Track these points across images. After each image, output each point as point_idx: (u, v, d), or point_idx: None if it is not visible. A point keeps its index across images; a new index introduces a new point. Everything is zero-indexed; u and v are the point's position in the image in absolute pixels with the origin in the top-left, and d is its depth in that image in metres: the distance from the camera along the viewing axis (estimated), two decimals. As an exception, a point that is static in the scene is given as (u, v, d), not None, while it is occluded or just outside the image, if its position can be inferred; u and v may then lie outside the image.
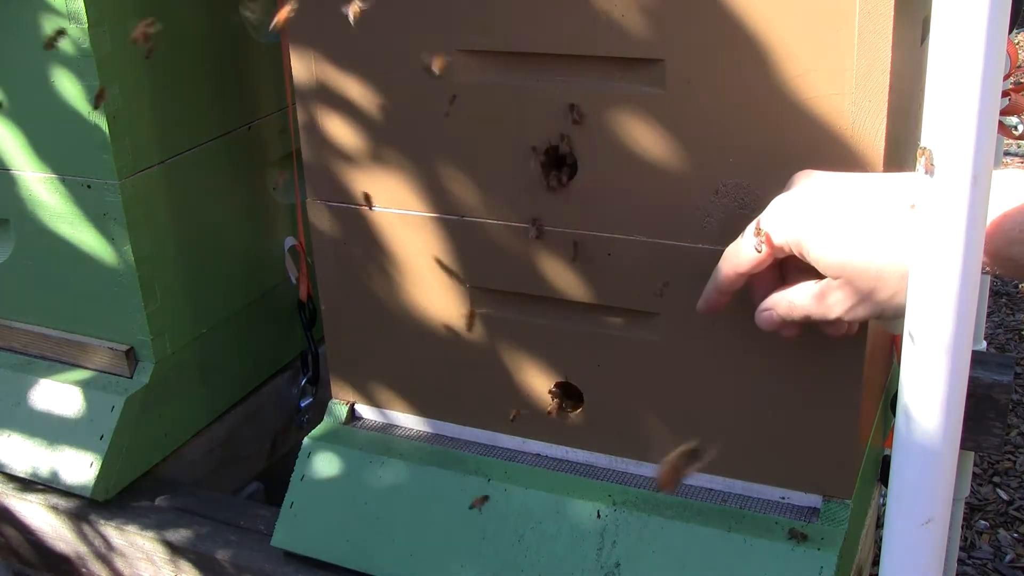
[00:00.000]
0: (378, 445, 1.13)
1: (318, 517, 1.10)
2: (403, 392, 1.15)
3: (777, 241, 0.79)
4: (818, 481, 0.98)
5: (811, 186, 0.80)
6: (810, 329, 0.85)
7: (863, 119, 0.83)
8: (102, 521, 1.22)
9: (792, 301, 0.81)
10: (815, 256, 0.77)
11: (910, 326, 0.64)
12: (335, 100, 1.04)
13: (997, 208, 0.69)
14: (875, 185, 0.77)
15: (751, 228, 0.80)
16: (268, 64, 1.32)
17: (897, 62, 0.83)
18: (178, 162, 1.23)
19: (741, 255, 0.82)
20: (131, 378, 1.25)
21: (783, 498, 1.00)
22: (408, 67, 0.99)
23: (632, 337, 1.00)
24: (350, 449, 1.12)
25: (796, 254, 0.78)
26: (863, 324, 0.89)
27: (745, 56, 0.85)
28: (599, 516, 1.01)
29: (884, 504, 0.76)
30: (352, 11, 0.88)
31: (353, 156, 1.05)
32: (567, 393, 1.06)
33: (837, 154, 0.85)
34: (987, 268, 0.70)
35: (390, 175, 1.04)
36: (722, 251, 0.92)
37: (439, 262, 1.05)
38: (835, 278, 0.77)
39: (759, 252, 0.80)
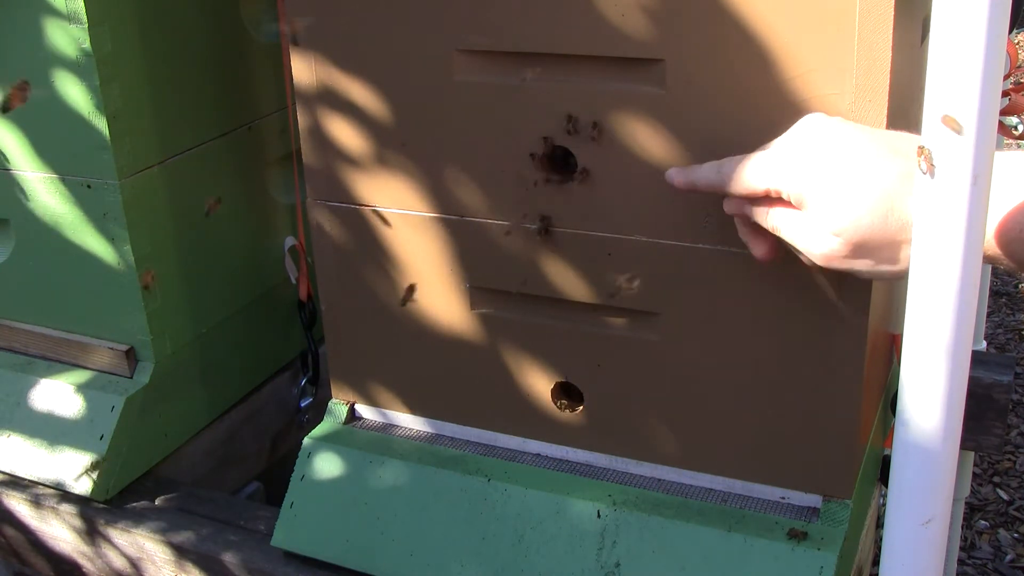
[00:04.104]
0: (378, 445, 1.13)
1: (318, 517, 1.10)
2: (403, 392, 1.15)
3: (779, 188, 0.78)
4: (818, 481, 0.98)
5: (816, 136, 0.78)
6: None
7: (863, 119, 0.83)
8: (102, 521, 1.22)
9: (774, 218, 0.80)
10: (815, 214, 0.76)
11: (910, 326, 0.64)
12: (336, 100, 1.04)
13: (998, 201, 0.69)
14: (879, 143, 0.76)
15: (759, 156, 0.79)
16: (268, 64, 1.32)
17: (897, 62, 0.83)
18: (178, 162, 1.23)
19: (742, 182, 0.80)
20: (131, 378, 1.25)
21: (783, 498, 1.00)
22: (408, 67, 0.99)
23: (632, 337, 1.00)
24: (350, 449, 1.12)
25: (795, 205, 0.78)
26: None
27: (745, 56, 0.85)
28: (599, 516, 1.01)
29: (884, 504, 0.76)
30: None
31: (353, 156, 1.05)
32: (567, 393, 1.06)
33: (837, 154, 0.85)
34: (986, 258, 0.70)
35: (390, 175, 1.04)
36: (722, 251, 0.92)
37: (439, 262, 1.05)
38: (835, 236, 0.76)
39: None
